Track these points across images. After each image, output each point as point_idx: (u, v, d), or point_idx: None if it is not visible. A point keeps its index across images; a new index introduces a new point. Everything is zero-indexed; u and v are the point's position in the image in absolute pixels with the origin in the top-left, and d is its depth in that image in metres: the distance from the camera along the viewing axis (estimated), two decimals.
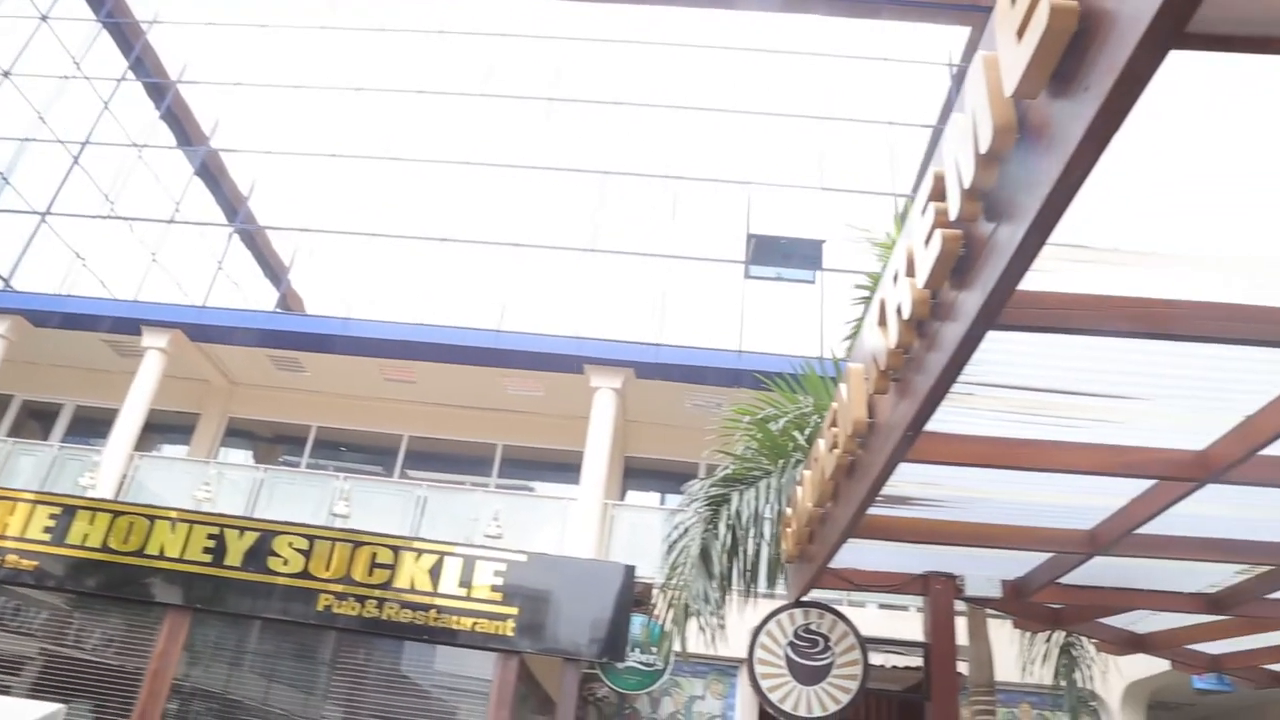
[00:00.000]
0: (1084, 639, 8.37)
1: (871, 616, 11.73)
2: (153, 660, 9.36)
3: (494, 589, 9.71)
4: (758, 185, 15.08)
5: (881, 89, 16.07)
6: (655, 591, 7.60)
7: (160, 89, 16.81)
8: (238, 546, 9.91)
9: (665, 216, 14.83)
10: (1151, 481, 4.03)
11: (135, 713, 9.05)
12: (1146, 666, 10.15)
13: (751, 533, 6.71)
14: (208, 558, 9.84)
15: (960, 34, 16.38)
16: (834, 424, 4.31)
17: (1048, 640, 8.69)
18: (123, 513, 10.22)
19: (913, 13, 16.69)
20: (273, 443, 16.30)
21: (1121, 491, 4.22)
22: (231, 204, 15.88)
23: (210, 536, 9.95)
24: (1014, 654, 8.95)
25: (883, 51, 16.41)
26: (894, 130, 15.55)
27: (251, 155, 15.96)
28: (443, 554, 9.93)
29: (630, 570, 10.16)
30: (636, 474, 15.21)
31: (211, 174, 16.03)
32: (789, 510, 5.63)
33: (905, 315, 3.05)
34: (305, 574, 9.76)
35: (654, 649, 11.34)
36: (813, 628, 5.89)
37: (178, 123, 16.59)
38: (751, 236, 14.41)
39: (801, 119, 15.83)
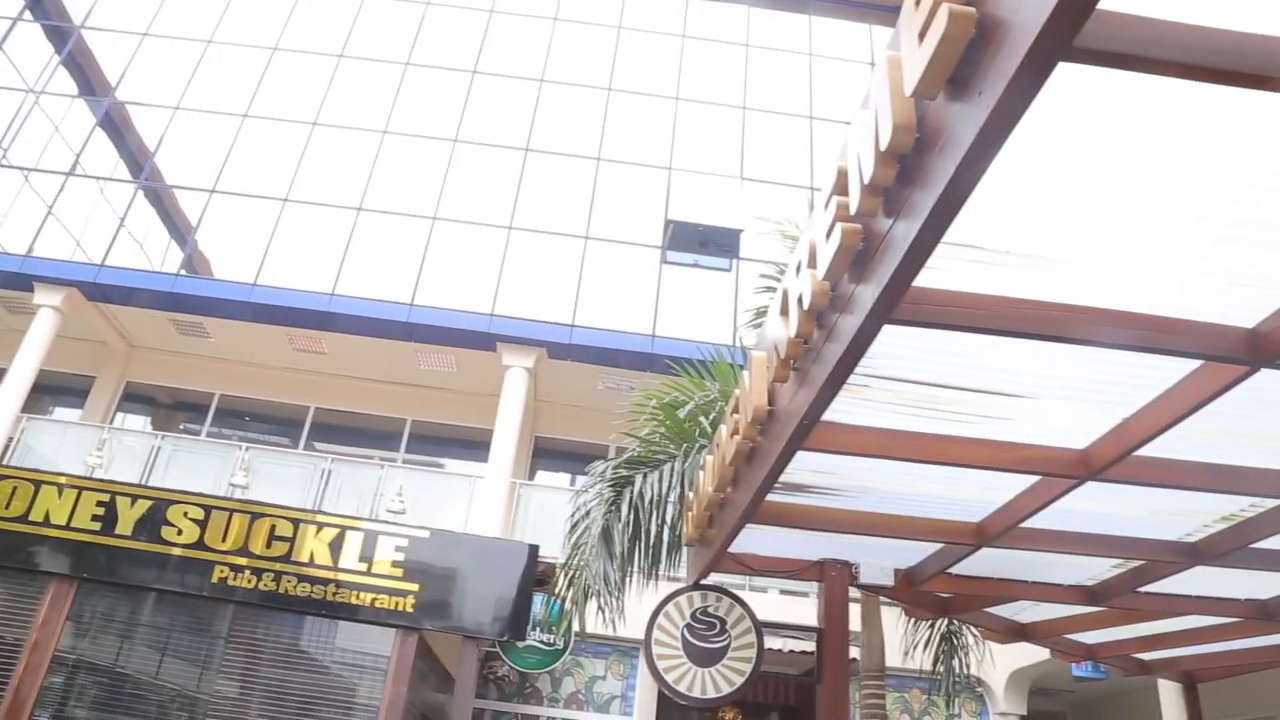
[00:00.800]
0: (965, 627, 8.67)
1: (773, 601, 11.98)
2: (33, 631, 8.99)
3: (395, 565, 9.60)
4: (678, 171, 15.12)
5: (809, 83, 16.25)
6: (558, 570, 7.63)
7: (62, 33, 16.02)
8: (129, 515, 9.57)
9: (584, 197, 14.77)
10: (1036, 478, 4.19)
11: (11, 684, 8.70)
12: (1028, 654, 10.57)
13: (654, 515, 6.78)
14: (97, 526, 9.48)
15: (885, 34, 16.66)
16: (736, 410, 4.36)
17: (931, 627, 8.97)
18: (5, 476, 9.77)
19: (839, 10, 16.93)
20: (173, 409, 15.77)
21: (1008, 486, 4.38)
22: (136, 159, 15.22)
23: (100, 504, 9.59)
24: (904, 640, 9.23)
25: (810, 46, 16.62)
26: (816, 124, 15.75)
27: (160, 110, 15.31)
28: (344, 528, 9.76)
29: (534, 550, 10.15)
30: (546, 454, 15.18)
31: (116, 126, 15.33)
32: (691, 494, 5.70)
33: (805, 306, 3.10)
34: (200, 545, 9.49)
35: (554, 628, 11.37)
36: (710, 610, 5.97)
37: (80, 70, 15.83)
38: (670, 222, 14.44)
39: (725, 108, 15.93)
